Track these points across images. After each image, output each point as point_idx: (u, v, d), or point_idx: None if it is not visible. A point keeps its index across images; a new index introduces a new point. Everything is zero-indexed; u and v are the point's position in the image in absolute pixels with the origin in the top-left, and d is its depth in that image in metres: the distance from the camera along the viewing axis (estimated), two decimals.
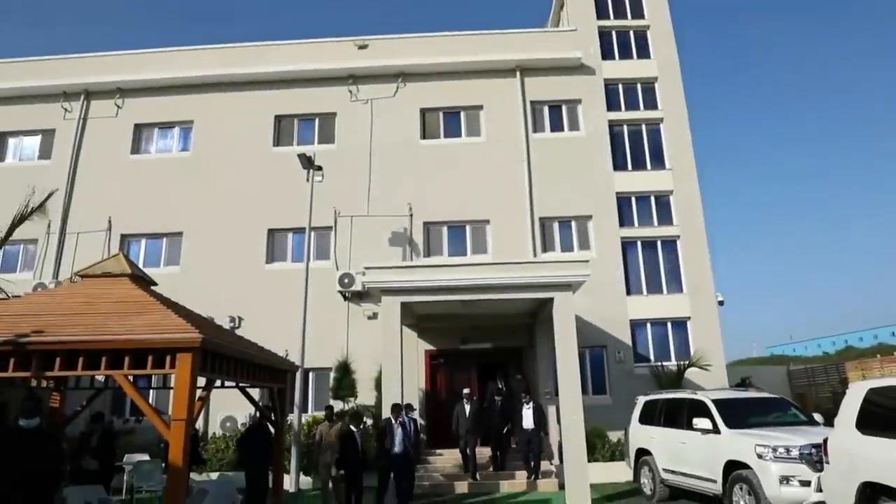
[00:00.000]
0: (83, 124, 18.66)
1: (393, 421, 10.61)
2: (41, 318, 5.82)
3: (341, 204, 17.18)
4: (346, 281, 16.11)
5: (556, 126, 18.50)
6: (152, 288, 7.30)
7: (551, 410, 14.12)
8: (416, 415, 12.87)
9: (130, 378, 5.70)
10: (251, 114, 18.45)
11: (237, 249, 17.16)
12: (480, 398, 14.45)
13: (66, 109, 18.71)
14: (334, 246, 17.13)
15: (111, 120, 18.63)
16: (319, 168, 14.96)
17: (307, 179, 15.27)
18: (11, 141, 19.07)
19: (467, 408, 13.10)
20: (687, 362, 15.72)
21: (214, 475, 12.80)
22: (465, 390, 13.57)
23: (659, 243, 17.68)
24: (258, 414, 9.79)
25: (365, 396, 15.20)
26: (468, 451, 13.08)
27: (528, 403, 13.07)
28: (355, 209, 17.23)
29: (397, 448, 10.43)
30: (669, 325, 17.13)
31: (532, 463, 12.96)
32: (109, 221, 17.58)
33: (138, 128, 18.74)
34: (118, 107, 18.73)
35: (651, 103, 18.88)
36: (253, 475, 9.40)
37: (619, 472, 13.36)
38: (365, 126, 18.14)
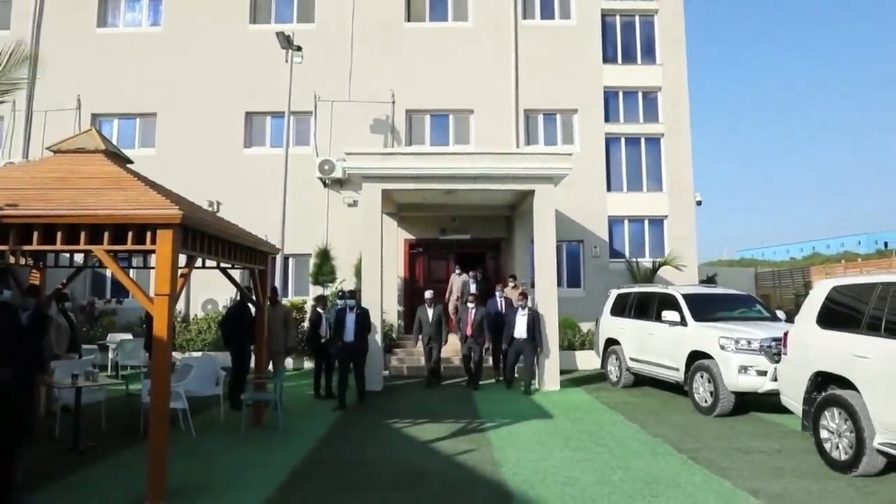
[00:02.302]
0: None
1: (348, 309, 9.97)
2: (15, 192, 5.68)
3: (321, 88, 16.62)
4: (326, 167, 15.90)
5: (547, 13, 17.72)
6: (128, 166, 7.14)
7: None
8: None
9: (111, 254, 5.69)
10: None
11: (214, 133, 16.71)
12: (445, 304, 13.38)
13: None
14: (314, 131, 16.75)
15: None
16: (299, 48, 14.33)
17: (286, 60, 14.67)
18: None
19: (430, 312, 11.69)
20: (661, 260, 16.12)
21: (197, 354, 13.17)
22: (428, 293, 12.03)
23: (643, 140, 17.57)
24: (238, 295, 9.93)
25: (345, 283, 15.45)
26: (432, 360, 11.83)
27: (523, 308, 11.44)
28: (336, 94, 16.69)
29: (348, 336, 9.85)
30: (646, 222, 17.39)
31: (525, 379, 11.36)
32: (78, 99, 16.88)
33: None
34: None
35: None
36: (237, 354, 9.55)
37: (587, 361, 14.01)
38: (347, 4, 17.20)
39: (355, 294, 10.32)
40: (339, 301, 10.72)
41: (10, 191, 5.70)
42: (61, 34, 17.18)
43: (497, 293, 12.37)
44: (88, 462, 6.44)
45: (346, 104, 16.65)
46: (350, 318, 9.91)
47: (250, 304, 8.95)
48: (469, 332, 11.67)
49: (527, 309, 11.47)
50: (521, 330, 11.33)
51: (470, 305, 11.87)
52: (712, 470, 6.24)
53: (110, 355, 13.00)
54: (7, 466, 5.06)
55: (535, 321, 11.34)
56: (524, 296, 11.76)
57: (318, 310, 10.98)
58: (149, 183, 6.31)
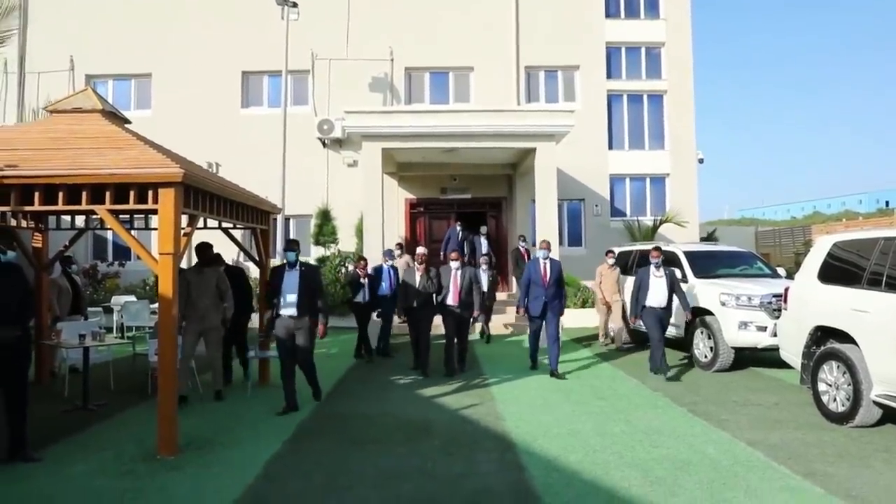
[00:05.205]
0: None
1: (287, 267, 6.98)
2: (14, 153, 5.64)
3: (319, 46, 16.36)
4: (325, 127, 15.77)
5: None
6: (126, 126, 7.07)
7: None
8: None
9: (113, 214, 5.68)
10: None
11: (210, 93, 16.52)
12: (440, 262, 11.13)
13: None
14: (312, 91, 16.56)
15: None
16: (295, 5, 14.05)
17: (282, 17, 14.39)
18: None
19: (418, 276, 9.23)
20: (662, 218, 16.12)
21: None
22: (420, 249, 9.97)
23: (645, 97, 17.40)
24: (240, 256, 9.93)
25: (346, 243, 15.50)
26: (420, 337, 9.29)
27: (658, 268, 8.97)
28: (334, 52, 16.44)
29: (289, 307, 6.85)
30: (648, 180, 17.34)
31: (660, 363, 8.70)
32: (71, 60, 16.63)
33: None
34: None
35: None
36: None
37: (588, 318, 14.10)
38: None
39: (296, 245, 7.09)
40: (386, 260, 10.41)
41: (8, 152, 5.67)
42: None
43: (542, 252, 9.17)
44: (98, 420, 6.55)
45: (344, 62, 16.42)
46: (291, 280, 6.82)
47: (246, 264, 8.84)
48: (455, 299, 9.07)
49: (662, 269, 8.98)
50: (660, 297, 8.84)
51: (454, 265, 9.15)
52: (711, 422, 6.35)
53: (115, 317, 13.10)
54: (19, 422, 5.17)
55: (674, 285, 8.91)
56: (659, 251, 9.21)
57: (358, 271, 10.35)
58: (148, 142, 6.26)
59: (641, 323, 9.16)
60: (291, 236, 16.26)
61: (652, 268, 8.94)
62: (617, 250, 12.61)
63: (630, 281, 11.39)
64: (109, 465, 5.14)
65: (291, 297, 6.72)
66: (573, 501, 4.38)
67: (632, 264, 11.82)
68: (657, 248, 9.28)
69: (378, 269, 10.50)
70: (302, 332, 6.80)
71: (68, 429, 6.16)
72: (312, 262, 15.14)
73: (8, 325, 5.10)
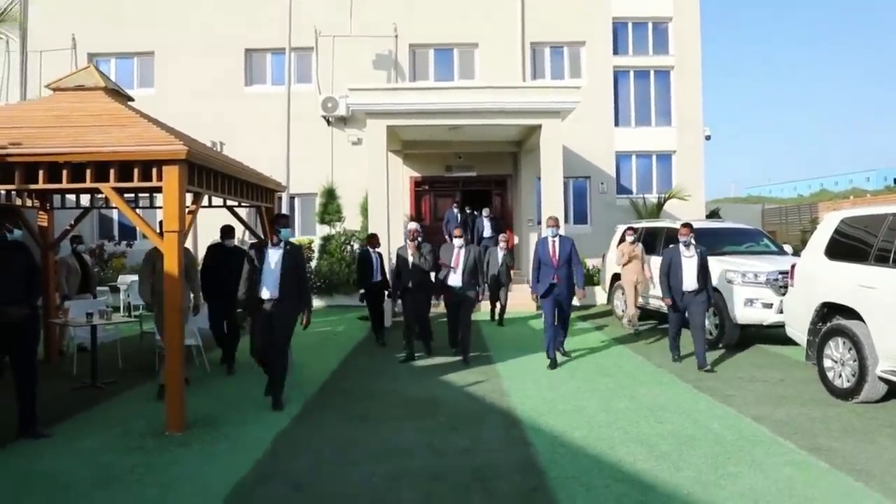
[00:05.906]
0: None
1: (269, 245, 6.25)
2: (17, 131, 5.63)
3: (322, 23, 16.18)
4: (329, 105, 15.67)
5: None
6: (129, 104, 7.03)
7: (532, 238, 14.54)
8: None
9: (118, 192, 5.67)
10: None
11: (214, 71, 16.38)
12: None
13: None
14: (316, 68, 16.41)
15: None
16: None
17: None
18: None
19: (409, 254, 8.46)
20: (668, 194, 16.03)
21: None
22: (411, 225, 9.17)
23: (652, 73, 17.18)
24: (245, 234, 9.91)
25: (351, 221, 15.49)
26: (414, 320, 8.59)
27: (688, 247, 8.04)
28: (337, 29, 16.26)
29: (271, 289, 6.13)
30: (654, 157, 17.20)
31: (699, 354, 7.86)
32: (73, 39, 16.50)
33: None
34: None
35: None
36: (217, 313, 7.87)
37: (594, 296, 14.12)
38: None
39: (283, 219, 6.38)
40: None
41: (12, 129, 5.65)
42: None
43: (550, 231, 8.29)
44: (107, 397, 6.61)
45: (348, 39, 16.25)
46: (274, 258, 6.13)
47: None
48: (457, 278, 8.48)
49: (692, 247, 8.02)
50: (690, 279, 7.91)
51: (457, 243, 8.51)
52: (716, 398, 6.37)
53: (122, 296, 13.18)
54: (29, 400, 5.23)
55: (704, 265, 7.99)
56: (689, 228, 8.16)
57: (368, 248, 10.00)
58: (151, 120, 6.23)
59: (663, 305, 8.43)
60: (297, 215, 16.24)
61: (681, 246, 8.02)
62: (622, 227, 12.57)
63: (654, 260, 10.71)
64: (118, 441, 5.20)
65: (273, 278, 6.07)
66: (578, 476, 4.40)
67: (638, 240, 11.77)
68: (687, 225, 8.25)
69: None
70: (281, 316, 6.09)
71: (77, 406, 6.22)
72: (318, 240, 15.17)
73: (16, 304, 5.14)
